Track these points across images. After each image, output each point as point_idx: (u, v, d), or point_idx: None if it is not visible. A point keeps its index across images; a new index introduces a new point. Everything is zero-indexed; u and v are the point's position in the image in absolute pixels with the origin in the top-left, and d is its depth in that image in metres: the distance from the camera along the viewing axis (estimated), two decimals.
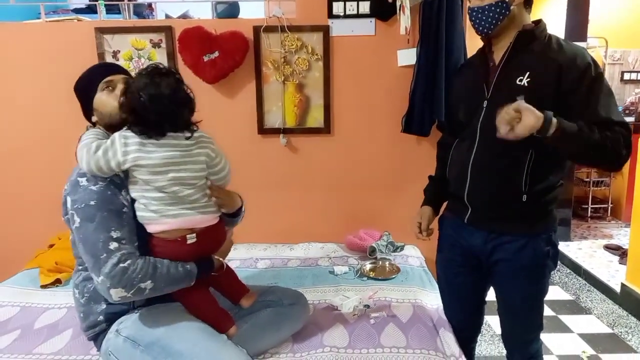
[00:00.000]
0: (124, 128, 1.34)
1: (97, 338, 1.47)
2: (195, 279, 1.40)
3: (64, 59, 2.41)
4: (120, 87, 1.40)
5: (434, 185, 1.79)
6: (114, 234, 1.30)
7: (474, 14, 1.44)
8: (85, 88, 1.44)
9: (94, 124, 1.47)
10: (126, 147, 1.30)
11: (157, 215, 1.35)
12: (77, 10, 3.04)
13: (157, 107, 1.28)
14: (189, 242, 1.38)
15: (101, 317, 1.44)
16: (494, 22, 1.41)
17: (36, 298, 1.98)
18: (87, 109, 1.45)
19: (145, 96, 1.27)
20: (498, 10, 1.40)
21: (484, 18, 1.42)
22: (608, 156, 1.32)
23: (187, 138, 1.36)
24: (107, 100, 1.40)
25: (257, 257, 2.42)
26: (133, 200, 1.37)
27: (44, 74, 2.44)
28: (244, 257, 2.40)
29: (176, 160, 1.33)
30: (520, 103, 1.23)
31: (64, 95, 2.39)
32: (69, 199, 1.35)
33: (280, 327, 1.58)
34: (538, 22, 1.45)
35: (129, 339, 1.37)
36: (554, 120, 1.24)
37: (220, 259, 1.51)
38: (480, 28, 1.45)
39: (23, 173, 2.54)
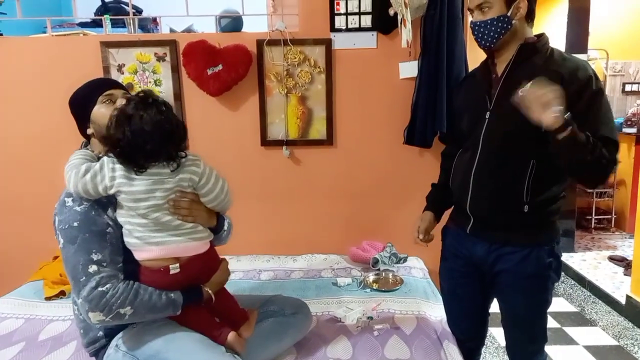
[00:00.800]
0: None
1: (97, 354, 1.47)
2: (182, 308, 1.37)
3: (70, 72, 2.42)
4: (120, 101, 1.38)
5: (437, 192, 1.80)
6: (95, 257, 1.29)
7: (477, 28, 1.46)
8: (84, 100, 1.43)
9: (88, 138, 1.47)
10: (114, 173, 1.29)
11: (141, 242, 1.33)
12: (83, 24, 3.08)
13: (137, 143, 1.25)
14: (172, 272, 1.35)
15: (100, 333, 1.44)
16: (496, 36, 1.43)
17: (41, 310, 1.99)
18: (83, 122, 1.45)
19: (128, 132, 1.25)
20: (500, 24, 1.42)
21: (486, 32, 1.44)
22: (598, 173, 1.36)
23: (172, 170, 1.33)
24: (106, 112, 1.36)
25: (260, 268, 2.42)
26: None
27: (50, 86, 2.47)
28: (247, 269, 2.40)
29: (156, 187, 1.31)
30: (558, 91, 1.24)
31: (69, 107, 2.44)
32: (56, 219, 1.35)
33: (282, 337, 1.59)
34: (540, 36, 1.47)
35: (129, 353, 1.38)
36: (572, 126, 1.25)
37: (210, 290, 1.43)
38: (483, 42, 1.47)
39: (27, 185, 2.55)
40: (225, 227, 1.55)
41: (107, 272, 1.30)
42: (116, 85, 1.49)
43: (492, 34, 1.43)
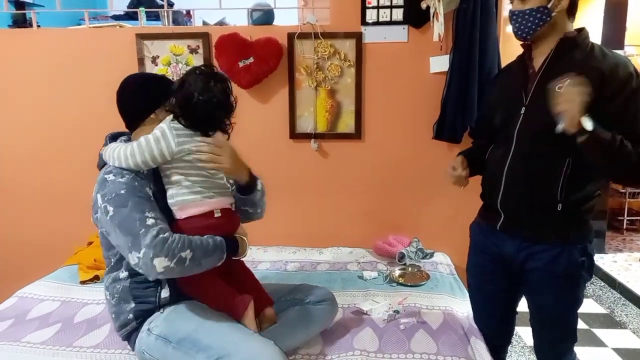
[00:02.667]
0: (169, 120, 1.43)
1: (129, 337, 1.52)
2: (225, 254, 1.45)
3: (106, 63, 2.50)
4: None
5: (469, 150, 1.76)
6: (148, 214, 1.36)
7: (515, 17, 1.44)
8: (165, 90, 1.47)
9: (134, 127, 1.52)
10: (179, 138, 1.40)
11: (200, 197, 1.45)
12: (116, 17, 3.16)
13: (209, 110, 1.41)
14: (215, 215, 1.47)
15: (131, 316, 1.48)
16: (533, 27, 1.40)
17: (76, 293, 2.06)
18: (150, 106, 1.48)
19: (202, 98, 1.38)
20: (539, 15, 1.39)
21: (523, 22, 1.41)
22: (630, 172, 1.33)
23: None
24: None
25: (286, 259, 2.45)
26: (159, 194, 1.45)
27: (87, 77, 2.54)
28: (274, 260, 2.44)
29: None
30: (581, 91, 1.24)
31: (105, 97, 2.48)
32: (98, 196, 1.41)
33: (309, 325, 1.61)
34: (580, 30, 1.44)
35: (160, 336, 1.42)
36: (589, 134, 1.24)
37: (245, 238, 1.56)
38: (520, 32, 1.44)
39: (64, 173, 2.64)
40: (259, 187, 1.62)
41: (163, 225, 1.38)
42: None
43: (529, 24, 1.40)
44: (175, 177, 1.44)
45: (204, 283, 1.47)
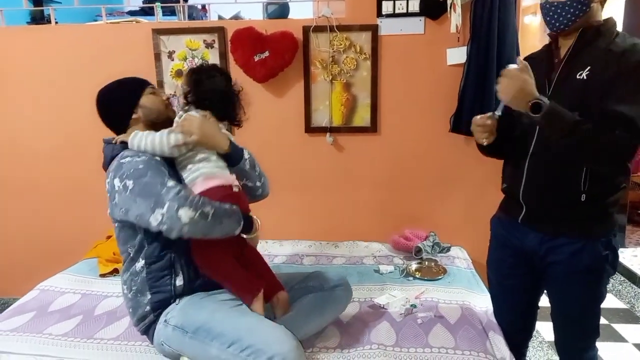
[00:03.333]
0: (189, 110, 1.54)
1: (148, 331, 1.54)
2: (242, 223, 1.48)
3: (123, 58, 2.52)
4: (162, 94, 1.67)
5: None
6: (168, 180, 1.41)
7: (552, 8, 1.38)
8: (134, 91, 1.58)
9: (120, 129, 1.59)
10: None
11: (221, 170, 1.53)
12: (132, 13, 3.17)
13: (235, 103, 1.58)
14: (234, 189, 1.53)
15: (148, 308, 1.51)
16: (572, 18, 1.36)
17: (96, 286, 2.09)
18: (129, 109, 1.56)
19: (232, 92, 1.57)
20: (579, 6, 1.34)
21: (562, 14, 1.36)
22: (597, 155, 1.30)
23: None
24: (156, 100, 1.59)
25: (302, 253, 2.46)
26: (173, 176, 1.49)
27: (104, 72, 2.52)
28: (290, 253, 2.44)
29: None
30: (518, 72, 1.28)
31: None
32: (115, 180, 1.44)
33: (324, 311, 1.62)
34: (607, 20, 1.40)
35: (177, 327, 1.45)
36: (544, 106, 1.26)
37: (257, 220, 1.60)
38: (557, 24, 1.38)
39: (83, 167, 2.67)
40: (246, 156, 1.62)
41: (183, 188, 1.42)
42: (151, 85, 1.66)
43: (568, 15, 1.35)
44: (200, 156, 1.51)
45: (219, 260, 1.50)
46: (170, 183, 1.39)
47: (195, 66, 1.60)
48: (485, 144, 1.48)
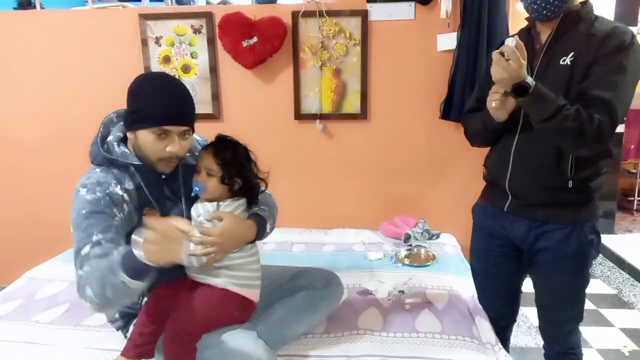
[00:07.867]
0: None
1: (120, 330, 1.54)
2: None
3: (109, 44, 2.48)
4: (173, 147, 1.32)
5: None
6: (97, 236, 1.27)
7: None
8: (143, 109, 1.31)
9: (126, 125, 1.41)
10: None
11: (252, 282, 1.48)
12: None
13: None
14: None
15: (117, 315, 1.52)
16: (560, 4, 1.34)
17: None
18: (130, 119, 1.38)
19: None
20: None
21: (550, 1, 1.34)
22: (569, 135, 1.29)
23: None
24: (155, 144, 1.32)
25: (292, 240, 2.45)
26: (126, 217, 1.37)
27: (90, 58, 2.52)
28: (280, 241, 2.44)
29: None
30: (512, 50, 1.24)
31: (109, 77, 2.49)
32: (73, 199, 1.37)
33: (316, 310, 1.59)
34: (584, 3, 1.40)
35: None
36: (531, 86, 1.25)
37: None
38: (544, 12, 1.35)
39: (70, 156, 2.63)
40: (268, 229, 1.60)
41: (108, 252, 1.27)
42: (185, 122, 1.35)
43: (557, 3, 1.33)
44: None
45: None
46: (97, 240, 1.25)
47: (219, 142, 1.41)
48: (502, 119, 1.42)
